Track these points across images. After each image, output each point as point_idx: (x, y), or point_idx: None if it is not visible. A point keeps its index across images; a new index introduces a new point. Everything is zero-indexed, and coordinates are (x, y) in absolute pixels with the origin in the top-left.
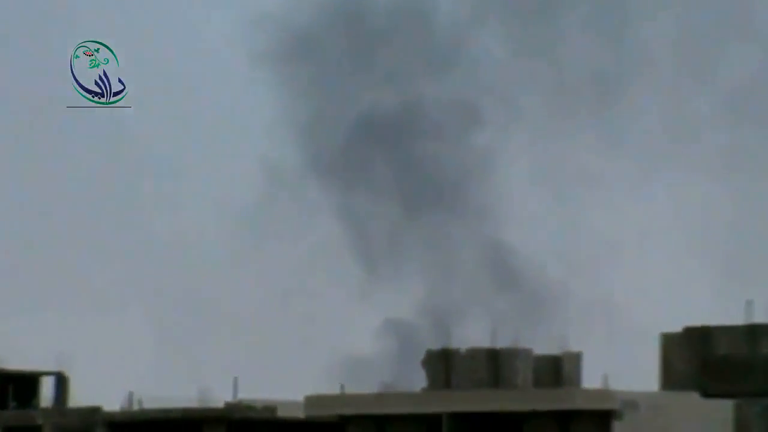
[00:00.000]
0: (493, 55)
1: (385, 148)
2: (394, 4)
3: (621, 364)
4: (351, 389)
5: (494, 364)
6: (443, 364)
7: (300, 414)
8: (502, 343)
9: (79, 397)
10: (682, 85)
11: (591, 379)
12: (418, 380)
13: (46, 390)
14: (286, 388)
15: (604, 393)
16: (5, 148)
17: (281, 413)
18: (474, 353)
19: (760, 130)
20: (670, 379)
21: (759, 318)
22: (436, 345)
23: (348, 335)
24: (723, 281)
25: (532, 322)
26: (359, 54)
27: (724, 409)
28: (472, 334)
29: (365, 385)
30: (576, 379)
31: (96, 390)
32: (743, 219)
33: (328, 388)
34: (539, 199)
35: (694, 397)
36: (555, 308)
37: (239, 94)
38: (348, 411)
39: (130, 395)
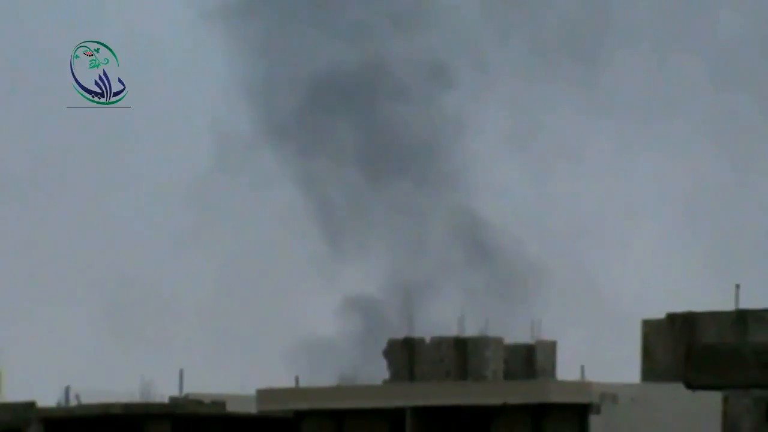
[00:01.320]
0: (464, 11)
1: (347, 110)
2: None
3: (600, 352)
4: (310, 377)
5: (461, 354)
6: (406, 355)
7: (252, 409)
8: (470, 330)
9: (12, 392)
10: (668, 49)
11: (567, 369)
12: (383, 366)
13: None
14: (238, 381)
15: (580, 385)
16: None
17: (231, 408)
18: (440, 342)
19: (750, 97)
20: (652, 369)
21: (748, 303)
22: (403, 325)
23: (307, 316)
24: (710, 263)
25: (505, 302)
26: (318, 8)
27: (710, 401)
28: (442, 314)
29: (327, 371)
30: (550, 370)
31: (30, 384)
32: (733, 196)
33: (286, 376)
34: (514, 169)
35: (678, 389)
36: (531, 288)
37: (188, 55)
38: (303, 406)
39: (67, 390)
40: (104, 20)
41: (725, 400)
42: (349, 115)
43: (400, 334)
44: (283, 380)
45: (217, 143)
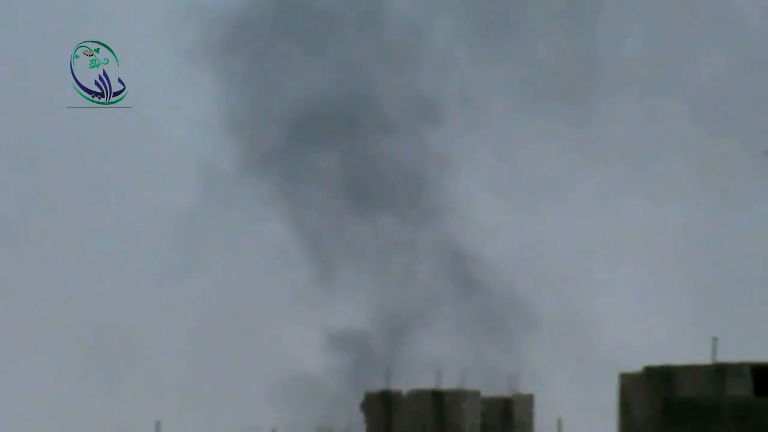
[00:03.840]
0: (453, 48)
1: (333, 144)
2: None
3: (579, 401)
4: (293, 420)
5: (439, 406)
6: (384, 407)
7: None
8: (448, 382)
9: None
10: (653, 90)
11: (545, 421)
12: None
13: None
14: (219, 428)
15: None
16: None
17: None
18: (417, 395)
19: (734, 141)
20: (630, 422)
21: (726, 357)
22: (389, 357)
23: (293, 353)
24: (689, 315)
25: (490, 337)
26: (305, 43)
27: None
28: (427, 352)
29: (311, 411)
30: (528, 423)
31: None
32: (714, 244)
33: (269, 418)
34: (499, 206)
35: None
36: (515, 326)
37: (172, 92)
38: None
39: None
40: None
41: None
42: (336, 149)
43: (383, 383)
44: (267, 422)
45: (203, 178)
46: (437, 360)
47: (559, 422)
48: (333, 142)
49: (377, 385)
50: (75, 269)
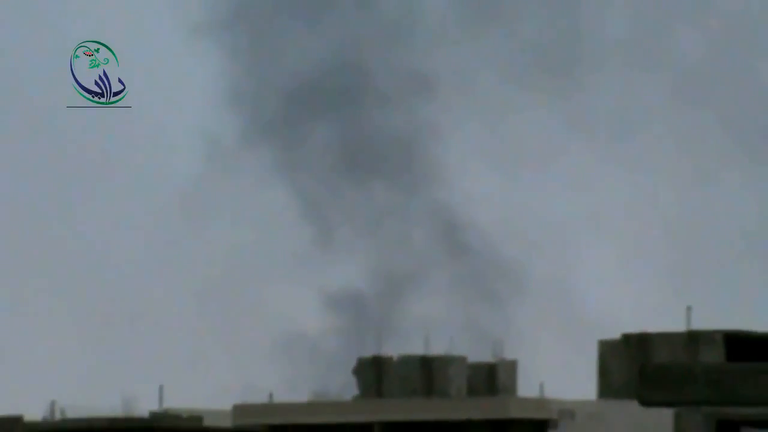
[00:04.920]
0: (446, 25)
1: (331, 114)
2: None
3: (560, 369)
4: (291, 380)
5: (427, 372)
6: (375, 373)
7: (227, 423)
8: (436, 349)
9: (0, 407)
10: (634, 68)
11: (528, 385)
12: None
13: None
14: (218, 391)
15: (540, 402)
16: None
17: (208, 422)
18: (406, 361)
19: (712, 115)
20: (608, 387)
21: (699, 324)
22: (384, 318)
23: (292, 313)
24: (665, 285)
25: (480, 298)
26: (304, 19)
27: (663, 417)
28: (421, 309)
29: (308, 372)
30: (511, 387)
31: (17, 399)
32: (690, 218)
33: (269, 377)
34: (487, 175)
35: (632, 406)
36: (504, 286)
37: (178, 67)
38: (277, 420)
39: (53, 404)
40: (103, 23)
41: (677, 416)
42: (333, 120)
43: (375, 346)
44: (265, 382)
45: (207, 148)
46: (428, 322)
47: (541, 386)
48: (330, 113)
49: (371, 348)
50: (91, 239)
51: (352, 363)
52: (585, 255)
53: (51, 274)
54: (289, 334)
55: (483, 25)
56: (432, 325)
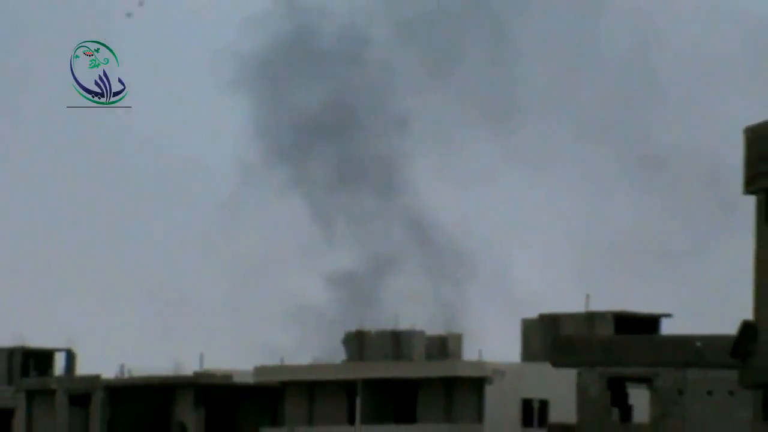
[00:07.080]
0: (416, 78)
1: (328, 141)
2: (336, 33)
3: (495, 337)
4: (300, 344)
5: (396, 342)
6: (358, 343)
7: (250, 380)
8: (402, 325)
9: (83, 368)
10: (551, 114)
11: (472, 350)
12: (363, 321)
13: (59, 363)
14: (244, 357)
15: (479, 364)
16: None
17: (236, 379)
18: (381, 334)
19: (609, 149)
20: (529, 353)
21: (595, 306)
22: (370, 292)
23: (302, 288)
24: (570, 277)
25: (442, 281)
26: (308, 73)
27: (569, 376)
28: (398, 287)
29: (316, 336)
30: (458, 353)
31: (96, 362)
32: (590, 227)
33: (286, 341)
34: (447, 189)
35: (547, 367)
36: (461, 271)
37: (215, 110)
38: (286, 377)
39: (122, 366)
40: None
41: (579, 375)
42: (332, 146)
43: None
44: (279, 342)
45: (238, 168)
46: (401, 300)
47: (480, 353)
48: (329, 141)
49: (355, 323)
50: (143, 239)
51: (346, 329)
52: (517, 252)
53: (122, 265)
54: (299, 305)
55: (444, 78)
56: (404, 302)
